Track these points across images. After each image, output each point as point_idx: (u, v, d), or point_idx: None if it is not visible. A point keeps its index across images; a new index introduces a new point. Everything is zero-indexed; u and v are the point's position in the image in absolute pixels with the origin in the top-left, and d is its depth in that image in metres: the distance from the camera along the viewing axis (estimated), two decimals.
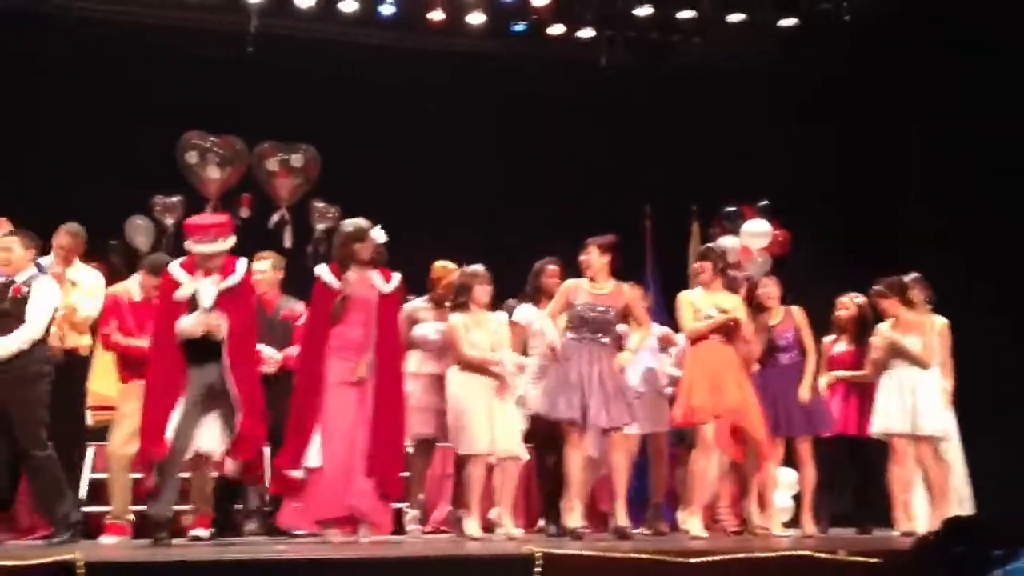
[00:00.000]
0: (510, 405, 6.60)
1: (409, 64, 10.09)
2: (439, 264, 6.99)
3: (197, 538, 6.15)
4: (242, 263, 6.10)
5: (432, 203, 10.01)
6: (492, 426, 6.42)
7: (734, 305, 6.75)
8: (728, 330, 6.66)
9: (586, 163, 10.43)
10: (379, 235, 6.20)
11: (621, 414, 6.24)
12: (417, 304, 6.89)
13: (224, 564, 4.78)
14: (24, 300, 5.89)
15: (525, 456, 6.74)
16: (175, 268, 5.98)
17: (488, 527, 6.54)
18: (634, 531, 6.55)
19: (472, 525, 6.33)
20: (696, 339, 6.68)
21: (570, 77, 10.29)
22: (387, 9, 9.70)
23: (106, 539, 6.26)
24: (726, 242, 8.95)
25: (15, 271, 5.98)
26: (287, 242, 10.18)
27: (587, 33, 10.22)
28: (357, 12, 9.73)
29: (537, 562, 4.78)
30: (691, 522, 6.52)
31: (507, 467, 6.55)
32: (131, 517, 6.43)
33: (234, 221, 6.51)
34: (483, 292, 6.60)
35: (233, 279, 5.97)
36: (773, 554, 5.29)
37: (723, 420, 6.58)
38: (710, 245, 7.64)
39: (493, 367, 6.46)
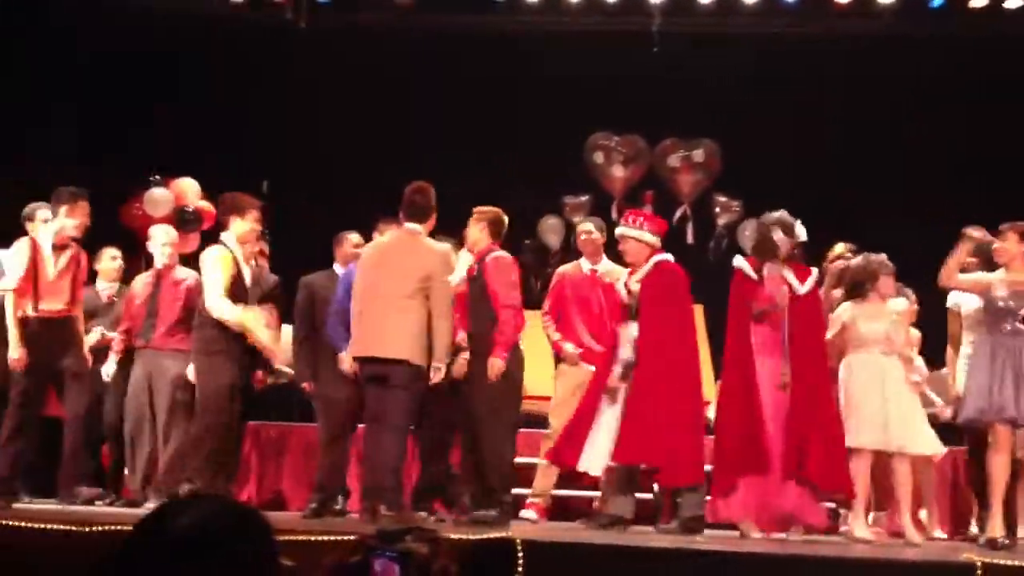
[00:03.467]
0: (910, 397, 6.16)
1: (812, 51, 9.81)
2: (839, 247, 6.75)
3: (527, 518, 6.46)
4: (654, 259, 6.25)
5: (841, 189, 9.65)
6: (886, 419, 6.00)
7: None
8: None
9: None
10: (801, 232, 6.06)
11: None
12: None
13: (653, 551, 4.87)
14: None
15: (927, 452, 6.27)
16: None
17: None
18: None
19: (859, 526, 5.98)
20: None
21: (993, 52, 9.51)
22: None
23: (527, 513, 6.59)
24: None
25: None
26: (689, 238, 10.24)
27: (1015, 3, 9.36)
28: (758, 3, 9.60)
29: (977, 573, 4.47)
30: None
31: (901, 464, 6.07)
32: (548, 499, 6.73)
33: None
34: (887, 284, 6.22)
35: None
36: None
37: None
38: None
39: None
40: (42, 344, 6.26)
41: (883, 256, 6.31)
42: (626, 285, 6.20)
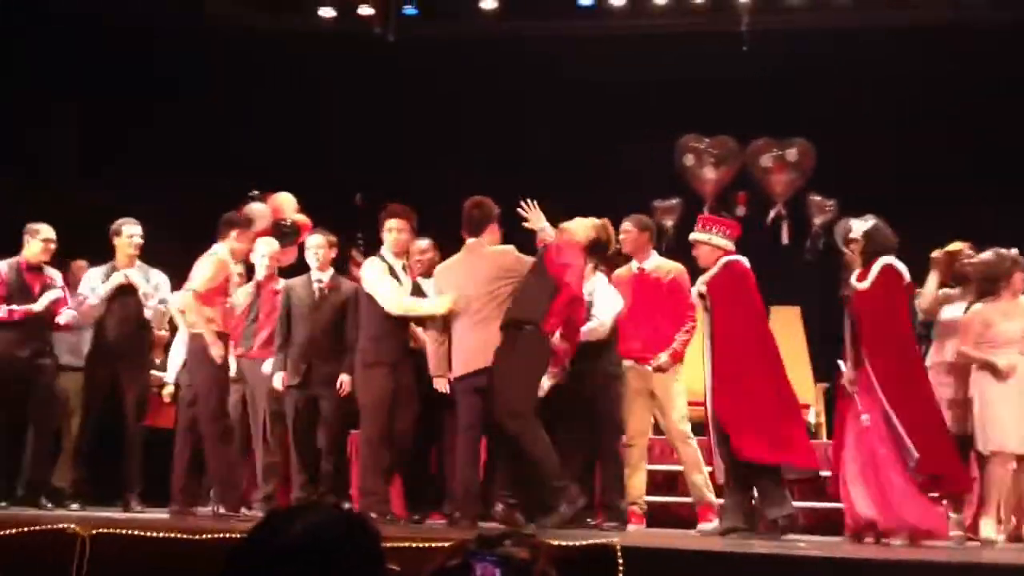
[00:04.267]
0: None
1: (908, 43, 9.60)
2: (956, 245, 6.54)
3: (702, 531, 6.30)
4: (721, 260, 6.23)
5: (936, 187, 9.42)
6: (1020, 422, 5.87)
7: None
8: None
9: None
10: (854, 229, 6.00)
11: None
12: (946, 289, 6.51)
13: (749, 557, 4.81)
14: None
15: None
16: None
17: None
18: None
19: (988, 526, 5.83)
20: None
21: None
22: None
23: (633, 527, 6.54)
24: None
25: None
26: (784, 238, 10.11)
27: None
28: None
29: None
30: None
31: None
32: (644, 506, 6.68)
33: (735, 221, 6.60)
34: (1020, 280, 6.05)
35: None
36: None
37: None
38: None
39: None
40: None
41: (1015, 251, 6.15)
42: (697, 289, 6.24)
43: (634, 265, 6.82)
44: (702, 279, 6.20)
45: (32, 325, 6.82)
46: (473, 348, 5.94)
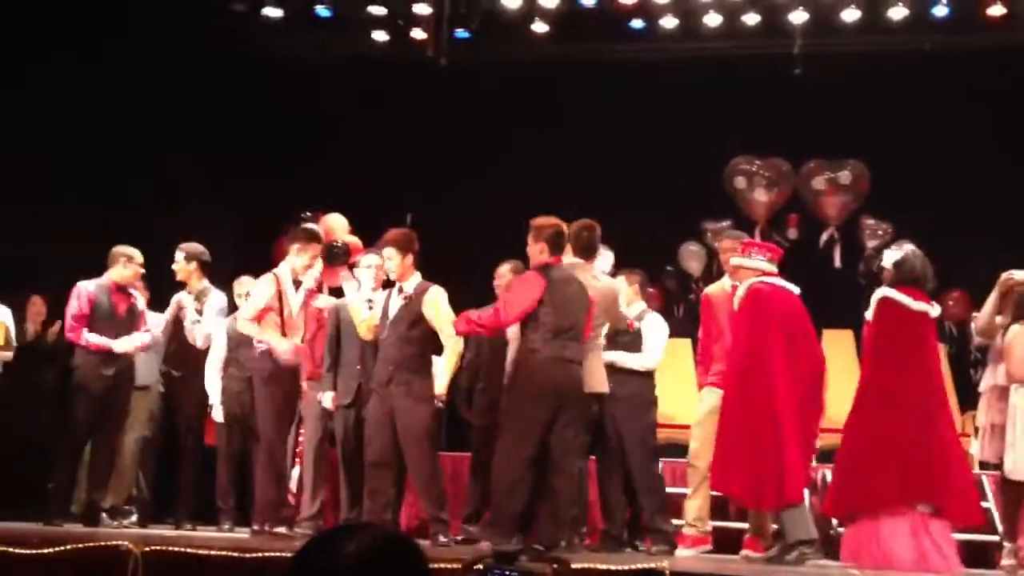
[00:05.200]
0: None
1: (963, 65, 9.51)
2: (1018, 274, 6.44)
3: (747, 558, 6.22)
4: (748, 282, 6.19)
5: (993, 210, 9.29)
6: None
7: None
8: None
9: None
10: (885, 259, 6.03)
11: None
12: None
13: None
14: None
15: None
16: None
17: None
18: None
19: None
20: None
21: None
22: (940, 11, 9.22)
23: (682, 550, 6.47)
24: None
25: None
26: (837, 261, 10.01)
27: None
28: (907, 18, 9.34)
29: None
30: None
31: None
32: (708, 529, 6.61)
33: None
34: None
35: None
36: None
37: None
38: None
39: None
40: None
41: None
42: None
43: (727, 283, 6.69)
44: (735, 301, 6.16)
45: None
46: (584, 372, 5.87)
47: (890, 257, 6.05)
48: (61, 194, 8.73)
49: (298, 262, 6.57)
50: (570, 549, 5.68)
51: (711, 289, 6.86)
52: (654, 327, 6.72)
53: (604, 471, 6.56)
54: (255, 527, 6.31)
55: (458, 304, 6.33)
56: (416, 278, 6.32)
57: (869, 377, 5.92)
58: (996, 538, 6.46)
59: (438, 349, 6.37)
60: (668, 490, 6.84)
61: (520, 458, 5.60)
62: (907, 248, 6.18)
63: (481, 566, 3.83)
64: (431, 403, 6.18)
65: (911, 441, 5.65)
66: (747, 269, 6.16)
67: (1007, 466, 5.97)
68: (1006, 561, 6.17)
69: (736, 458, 5.79)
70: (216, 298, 7.28)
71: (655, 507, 6.41)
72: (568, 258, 6.13)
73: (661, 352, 6.69)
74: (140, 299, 7.15)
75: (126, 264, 6.97)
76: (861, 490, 5.71)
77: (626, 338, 6.57)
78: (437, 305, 6.19)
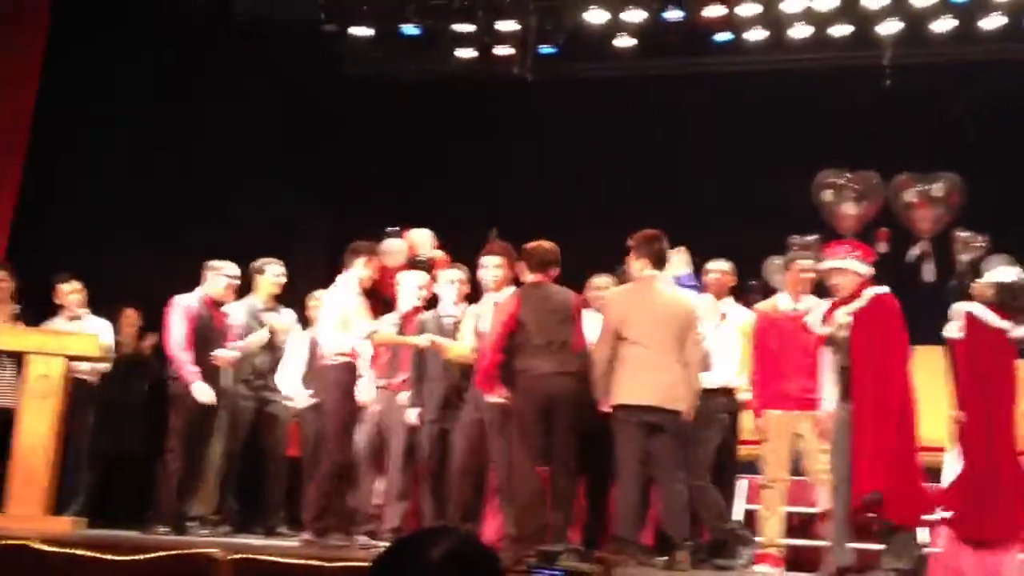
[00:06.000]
0: None
1: None
2: None
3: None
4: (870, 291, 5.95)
5: None
6: None
7: None
8: None
9: None
10: None
11: None
12: None
13: None
14: None
15: None
16: None
17: None
18: None
19: None
20: None
21: None
22: None
23: (760, 568, 6.41)
24: None
25: None
26: (928, 275, 9.80)
27: None
28: (1000, 29, 9.14)
29: None
30: None
31: None
32: (783, 549, 6.53)
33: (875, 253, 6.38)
34: None
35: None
36: None
37: None
38: None
39: None
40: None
41: None
42: (828, 316, 5.93)
43: (785, 303, 6.61)
44: (847, 309, 5.88)
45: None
46: (656, 383, 5.87)
47: (996, 276, 5.84)
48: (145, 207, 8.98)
49: (364, 276, 6.64)
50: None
51: (762, 306, 6.74)
52: (720, 342, 6.51)
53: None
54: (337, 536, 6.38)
55: None
56: (510, 290, 6.39)
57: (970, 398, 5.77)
58: None
59: None
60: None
61: (532, 470, 5.88)
62: (1020, 273, 5.95)
63: (525, 566, 3.87)
64: None
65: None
66: (851, 272, 5.85)
67: None
68: None
69: (868, 471, 5.65)
70: (288, 313, 7.46)
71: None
72: (646, 270, 6.10)
73: (733, 373, 6.50)
74: (232, 314, 7.27)
75: (218, 277, 7.05)
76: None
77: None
78: None
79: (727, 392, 6.53)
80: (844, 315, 5.86)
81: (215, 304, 7.09)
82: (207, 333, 6.95)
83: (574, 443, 5.99)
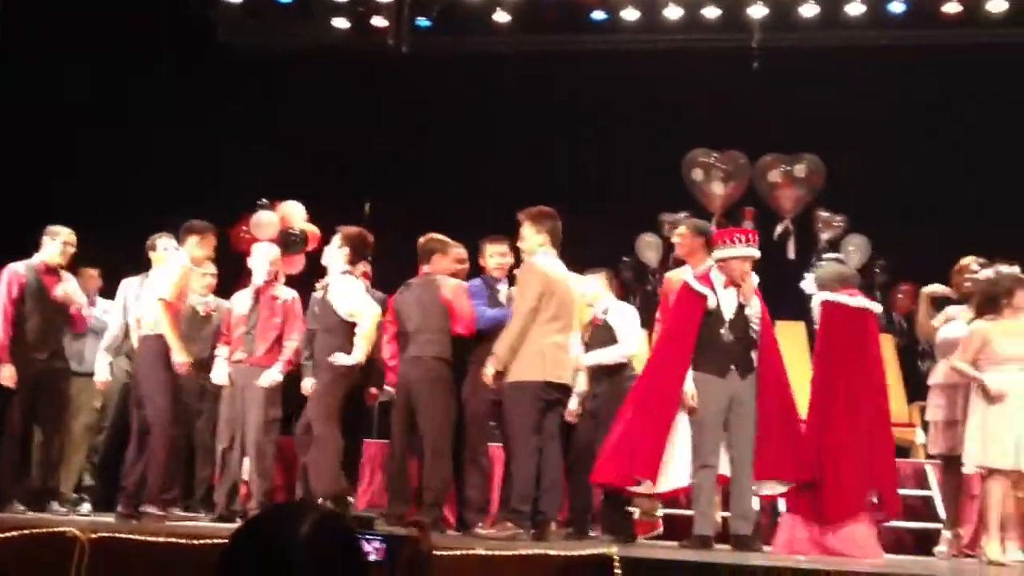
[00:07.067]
0: None
1: (918, 62, 9.61)
2: (965, 260, 6.50)
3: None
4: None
5: (946, 204, 9.41)
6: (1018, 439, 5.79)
7: None
8: None
9: None
10: None
11: None
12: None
13: (742, 568, 4.80)
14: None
15: None
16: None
17: None
18: None
19: (992, 548, 5.78)
20: None
21: None
22: (897, 7, 9.32)
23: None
24: None
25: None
26: (791, 253, 10.10)
27: None
28: (861, 16, 9.44)
29: None
30: None
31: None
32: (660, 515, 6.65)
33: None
34: (1022, 298, 5.99)
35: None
36: None
37: None
38: None
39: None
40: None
41: (1016, 269, 6.09)
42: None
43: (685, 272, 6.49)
44: (746, 292, 5.89)
45: (47, 328, 6.79)
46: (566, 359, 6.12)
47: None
48: None
49: (197, 254, 6.60)
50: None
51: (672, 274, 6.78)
52: (624, 315, 6.54)
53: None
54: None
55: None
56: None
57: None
58: (939, 526, 6.54)
59: None
60: None
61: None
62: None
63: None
64: None
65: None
66: (748, 260, 5.85)
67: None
68: (939, 548, 6.29)
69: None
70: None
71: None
72: (547, 248, 6.07)
73: (638, 338, 6.55)
74: (71, 279, 6.96)
75: (53, 242, 6.78)
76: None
77: (601, 336, 6.43)
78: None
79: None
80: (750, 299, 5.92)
81: (50, 270, 6.84)
82: (35, 298, 6.73)
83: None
